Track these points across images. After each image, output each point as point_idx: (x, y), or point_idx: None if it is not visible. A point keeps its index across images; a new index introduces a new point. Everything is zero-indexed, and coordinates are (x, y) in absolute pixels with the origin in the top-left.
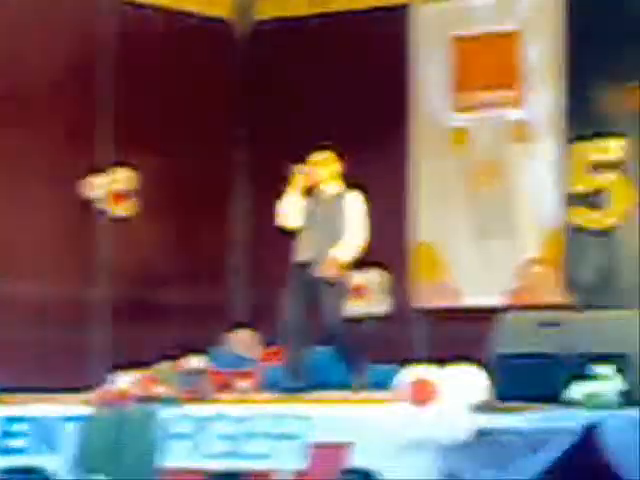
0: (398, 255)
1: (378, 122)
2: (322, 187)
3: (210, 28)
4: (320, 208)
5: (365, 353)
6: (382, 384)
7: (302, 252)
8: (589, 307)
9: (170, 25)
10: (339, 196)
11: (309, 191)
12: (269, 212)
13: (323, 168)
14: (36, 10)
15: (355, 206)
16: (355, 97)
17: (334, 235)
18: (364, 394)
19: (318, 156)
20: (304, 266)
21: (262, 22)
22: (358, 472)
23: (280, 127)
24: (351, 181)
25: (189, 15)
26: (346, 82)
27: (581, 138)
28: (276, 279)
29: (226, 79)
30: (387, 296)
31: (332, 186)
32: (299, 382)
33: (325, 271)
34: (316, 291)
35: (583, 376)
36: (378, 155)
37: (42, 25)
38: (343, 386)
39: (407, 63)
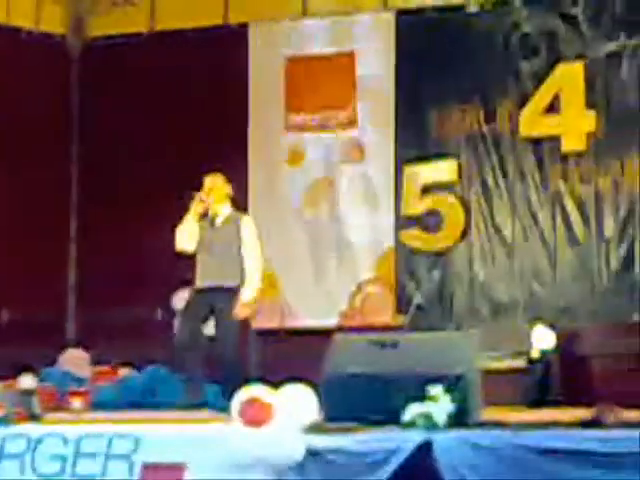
0: None
1: (216, 141)
2: (215, 211)
3: (44, 44)
4: (215, 232)
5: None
6: (216, 404)
7: (201, 278)
8: (421, 328)
9: (2, 41)
10: (232, 220)
11: (203, 215)
12: (102, 231)
13: (216, 192)
14: None
15: (250, 232)
16: (193, 116)
17: (231, 259)
18: (199, 414)
19: (210, 180)
20: (202, 292)
21: (96, 39)
22: None
23: (114, 144)
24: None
25: (21, 31)
26: (180, 100)
27: (413, 160)
28: (107, 299)
29: (61, 95)
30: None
31: (224, 209)
32: (198, 398)
33: (240, 315)
34: (216, 319)
35: (418, 397)
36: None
37: None
38: (180, 406)
39: (246, 84)
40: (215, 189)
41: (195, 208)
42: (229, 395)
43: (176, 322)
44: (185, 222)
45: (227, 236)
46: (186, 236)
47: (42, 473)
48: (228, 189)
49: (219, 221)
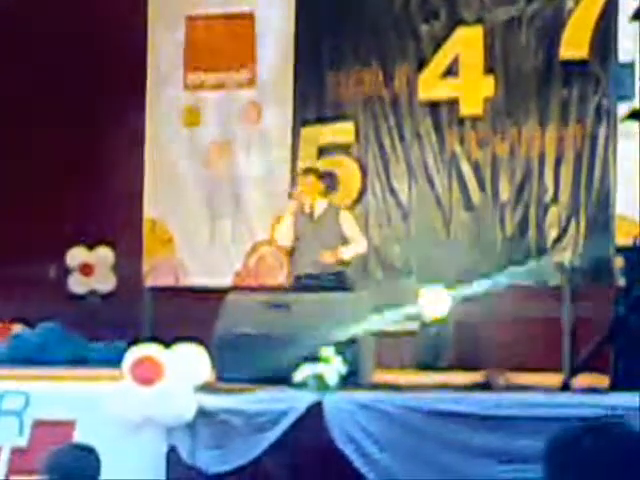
0: (127, 232)
1: (113, 98)
2: (312, 207)
3: None
4: (314, 225)
5: None
6: (107, 362)
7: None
8: (315, 290)
9: None
10: (331, 212)
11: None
12: None
13: (311, 190)
14: None
15: (351, 221)
16: (88, 72)
17: (328, 245)
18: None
19: (304, 180)
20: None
21: None
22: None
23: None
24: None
25: None
26: (77, 54)
27: (311, 121)
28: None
29: None
30: (113, 273)
31: (320, 204)
32: None
33: (324, 258)
34: None
35: (310, 358)
36: (115, 132)
37: None
38: (72, 362)
39: (144, 41)
40: (312, 186)
41: (291, 208)
42: None
43: None
44: (287, 219)
45: (325, 227)
46: (285, 232)
47: None
48: (322, 185)
49: (317, 214)
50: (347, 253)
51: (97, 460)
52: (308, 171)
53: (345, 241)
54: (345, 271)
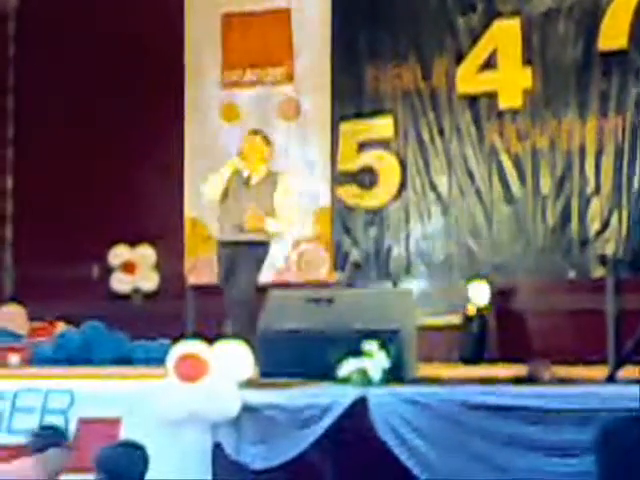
0: (169, 230)
1: (153, 97)
2: (252, 172)
3: None
4: (248, 191)
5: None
6: (151, 360)
7: (227, 230)
8: (358, 285)
9: None
10: (269, 179)
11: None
12: (36, 186)
13: (253, 153)
14: None
15: (287, 188)
16: (127, 71)
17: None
18: (133, 370)
19: (248, 142)
20: (225, 244)
21: None
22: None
23: (46, 101)
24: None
25: None
26: (116, 56)
27: (349, 116)
28: (43, 255)
29: None
30: (156, 272)
31: (261, 170)
32: None
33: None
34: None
35: (354, 353)
36: (154, 130)
37: None
38: (116, 361)
39: (182, 40)
40: (254, 150)
41: (230, 166)
42: None
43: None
44: (217, 175)
45: (261, 194)
46: (215, 187)
47: None
48: (267, 150)
49: (254, 181)
50: (272, 226)
51: (146, 457)
52: (255, 133)
53: (274, 214)
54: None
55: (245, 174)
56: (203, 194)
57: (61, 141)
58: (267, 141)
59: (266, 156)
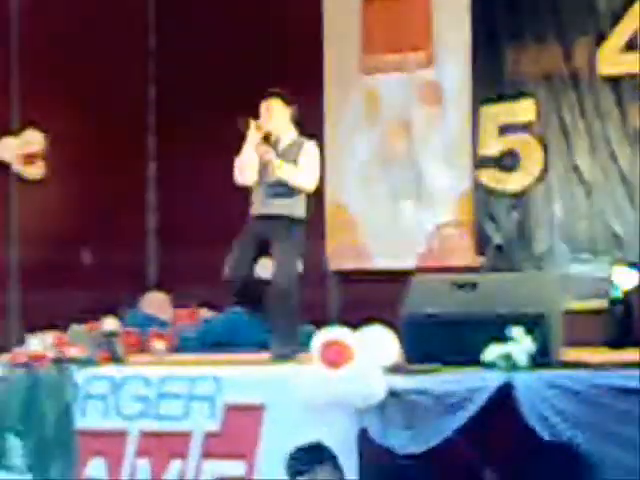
0: (310, 216)
1: (292, 85)
2: (277, 136)
3: None
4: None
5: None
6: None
7: (258, 206)
8: (501, 269)
9: None
10: (295, 144)
11: (266, 141)
12: (181, 173)
13: (275, 116)
14: None
15: (309, 153)
16: (267, 60)
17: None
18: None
19: (268, 104)
20: (259, 220)
21: None
22: None
23: (190, 86)
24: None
25: None
26: (262, 38)
27: (491, 100)
28: (188, 241)
29: (134, 34)
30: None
31: (287, 134)
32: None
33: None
34: (270, 245)
35: (499, 338)
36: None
37: None
38: (260, 346)
39: (320, 26)
40: (275, 113)
41: (251, 136)
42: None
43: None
44: (243, 153)
45: (289, 161)
46: (246, 168)
47: (125, 414)
48: (290, 113)
49: (281, 148)
50: (286, 171)
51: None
52: (270, 94)
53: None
54: None
55: (271, 141)
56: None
57: (203, 128)
58: (286, 100)
59: (287, 117)
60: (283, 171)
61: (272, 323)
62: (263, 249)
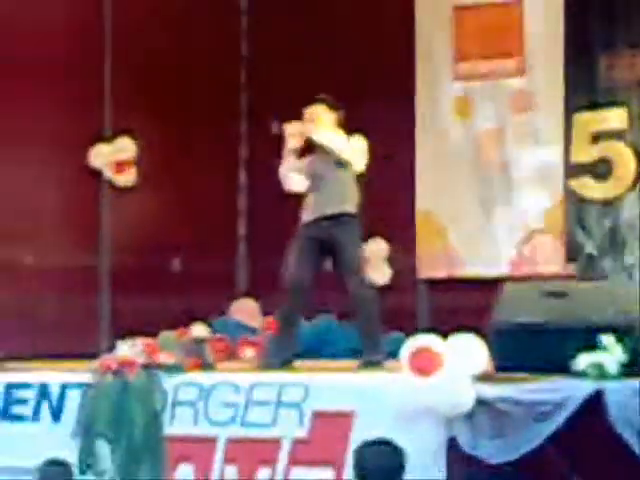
0: (400, 224)
1: (383, 92)
2: (319, 141)
3: None
4: (323, 163)
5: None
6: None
7: (313, 211)
8: (592, 277)
9: None
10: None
11: (309, 148)
12: (270, 181)
13: (317, 122)
14: None
15: (359, 140)
16: (359, 65)
17: (346, 187)
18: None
19: (309, 110)
20: (315, 223)
21: None
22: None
23: (282, 95)
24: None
25: None
26: (349, 50)
27: (583, 107)
28: (277, 249)
29: (226, 41)
30: (388, 265)
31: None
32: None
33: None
34: (330, 243)
35: (589, 346)
36: (383, 123)
37: None
38: (348, 354)
39: (412, 34)
40: (316, 119)
41: (292, 143)
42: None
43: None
44: (285, 160)
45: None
46: (293, 175)
47: (214, 420)
48: (334, 117)
49: (325, 150)
50: (328, 138)
51: (402, 457)
52: (315, 101)
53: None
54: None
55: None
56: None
57: None
58: (332, 105)
59: (332, 121)
60: (323, 136)
61: (359, 330)
62: (322, 253)
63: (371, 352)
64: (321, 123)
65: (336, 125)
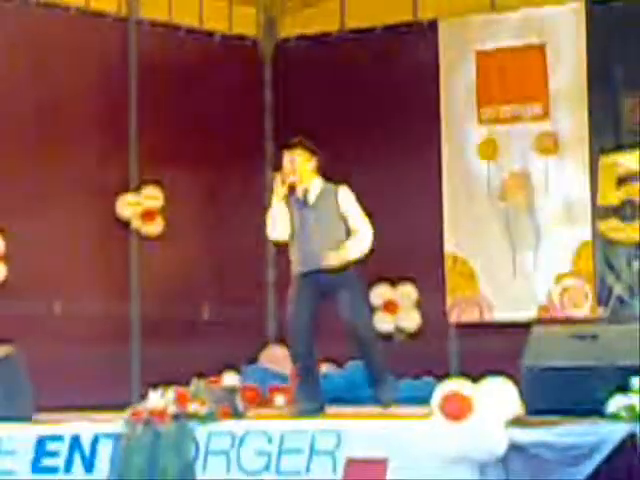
0: (429, 268)
1: (409, 137)
2: (305, 188)
3: (236, 47)
4: (310, 211)
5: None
6: (416, 399)
7: (304, 261)
8: (621, 320)
9: (197, 45)
10: (327, 192)
11: (293, 194)
12: None
13: (299, 167)
14: (64, 34)
15: (350, 200)
16: (384, 112)
17: (332, 233)
18: (398, 410)
19: (291, 155)
20: (308, 275)
21: (287, 40)
22: None
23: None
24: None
25: (215, 34)
26: (374, 97)
27: (609, 150)
28: None
29: (253, 96)
30: (417, 310)
31: (315, 184)
32: (314, 402)
33: (331, 260)
34: (328, 294)
35: (621, 389)
36: (410, 169)
37: (73, 51)
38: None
39: (436, 79)
40: (298, 164)
41: (277, 190)
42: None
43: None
44: (273, 208)
45: (324, 210)
46: (278, 223)
47: (247, 469)
48: (313, 162)
49: (312, 198)
50: (353, 250)
51: None
52: (292, 145)
53: (348, 231)
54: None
55: (300, 192)
56: (269, 234)
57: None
58: (311, 149)
59: (316, 167)
60: (346, 253)
61: (368, 373)
62: (321, 302)
63: (380, 392)
64: (301, 168)
65: (315, 171)
